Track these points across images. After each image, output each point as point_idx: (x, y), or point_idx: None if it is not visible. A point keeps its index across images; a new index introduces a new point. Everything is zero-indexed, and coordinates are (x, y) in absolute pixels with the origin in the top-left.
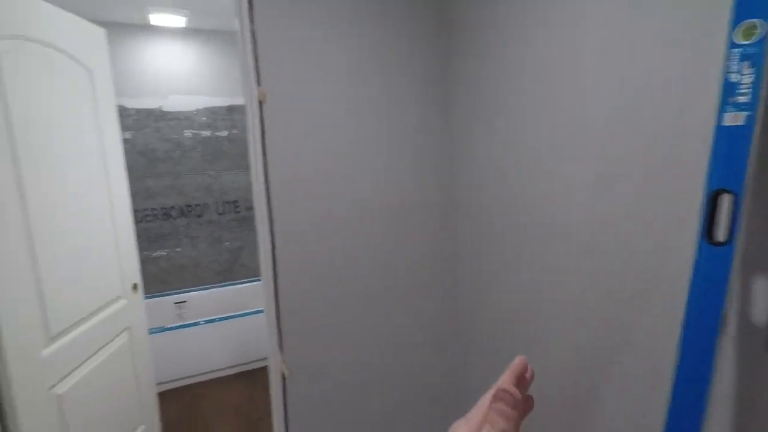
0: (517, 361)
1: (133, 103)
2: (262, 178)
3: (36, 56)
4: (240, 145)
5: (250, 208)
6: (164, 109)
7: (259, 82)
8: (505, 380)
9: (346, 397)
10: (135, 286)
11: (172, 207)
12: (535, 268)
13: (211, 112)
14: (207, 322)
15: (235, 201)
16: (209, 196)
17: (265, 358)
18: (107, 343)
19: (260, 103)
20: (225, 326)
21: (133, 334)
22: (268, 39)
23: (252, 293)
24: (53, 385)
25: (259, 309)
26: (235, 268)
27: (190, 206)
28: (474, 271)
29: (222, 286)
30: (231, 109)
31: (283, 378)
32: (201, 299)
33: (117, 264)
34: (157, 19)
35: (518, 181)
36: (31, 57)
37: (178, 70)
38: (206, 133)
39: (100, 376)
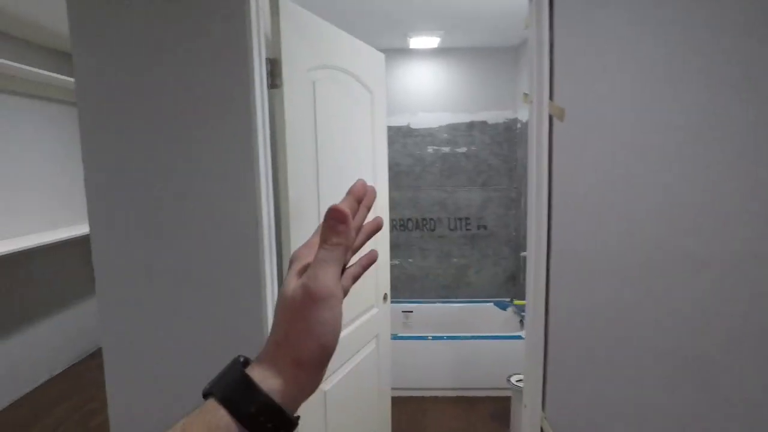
0: (356, 184)
1: (387, 121)
2: (544, 198)
3: (336, 81)
4: (475, 162)
5: (481, 227)
6: (412, 126)
7: (551, 96)
8: (348, 203)
9: None
10: (385, 296)
11: (409, 219)
12: None
13: (452, 128)
14: (434, 338)
15: (467, 218)
16: (443, 211)
17: (488, 389)
18: (360, 348)
19: (550, 118)
20: (451, 345)
21: (380, 341)
22: (566, 49)
23: (474, 314)
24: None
25: (487, 335)
26: (461, 285)
27: (425, 220)
28: None
29: (445, 302)
30: (471, 125)
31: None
32: (427, 311)
33: (374, 273)
34: (415, 42)
35: None
36: (333, 82)
37: (427, 88)
38: (446, 149)
39: (353, 379)
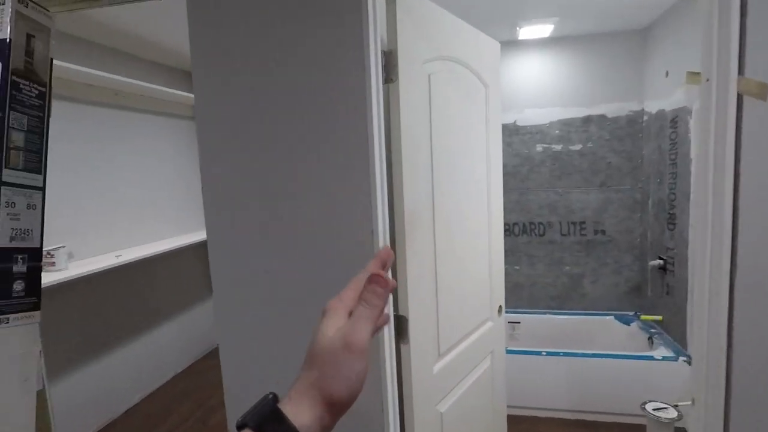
0: (383, 250)
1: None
2: (728, 204)
3: (451, 74)
4: (592, 160)
5: (599, 232)
6: (518, 124)
7: (741, 71)
8: (376, 265)
9: None
10: (500, 309)
11: (515, 223)
12: None
13: (565, 124)
14: (549, 354)
15: (582, 222)
16: (553, 215)
17: (612, 414)
18: (475, 366)
19: (739, 98)
20: (569, 363)
21: (495, 358)
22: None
23: (591, 328)
24: (437, 402)
25: (613, 353)
26: (574, 296)
27: (533, 224)
28: None
29: (556, 314)
30: (587, 120)
31: None
32: (535, 323)
33: (488, 284)
34: (525, 32)
35: None
36: (449, 75)
37: (536, 82)
38: (557, 146)
39: (468, 398)
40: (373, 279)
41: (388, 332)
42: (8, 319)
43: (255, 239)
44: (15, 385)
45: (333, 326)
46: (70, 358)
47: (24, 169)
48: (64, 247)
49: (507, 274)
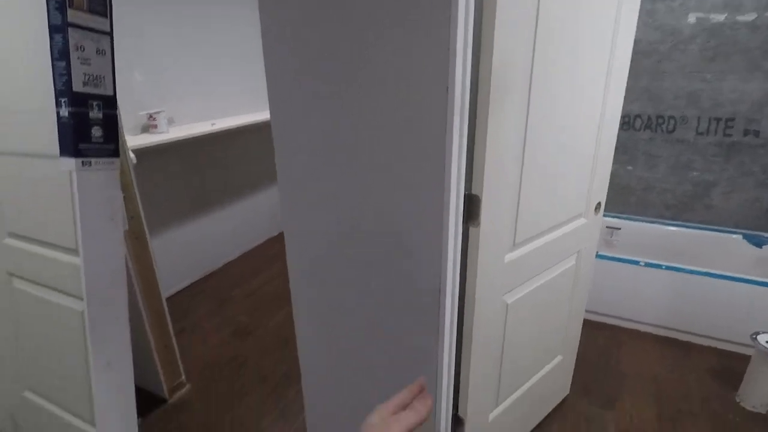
0: (416, 385)
1: None
2: None
3: None
4: (767, 37)
5: (750, 133)
6: None
7: None
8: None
9: None
10: (598, 206)
11: (638, 115)
12: None
13: None
14: (648, 264)
15: (730, 119)
16: (692, 107)
17: (711, 338)
18: (556, 263)
19: None
20: (671, 277)
21: (581, 259)
22: None
23: (711, 246)
24: (505, 293)
25: (729, 274)
26: (696, 206)
27: (662, 118)
28: None
29: (669, 224)
30: None
31: None
32: (639, 231)
33: (589, 177)
34: None
35: None
36: None
37: None
38: (719, 17)
39: (542, 295)
40: (424, 389)
41: (455, 211)
42: (91, 162)
43: (317, 115)
44: (105, 223)
45: (379, 414)
46: (174, 214)
47: (89, 11)
48: (164, 111)
49: (615, 174)
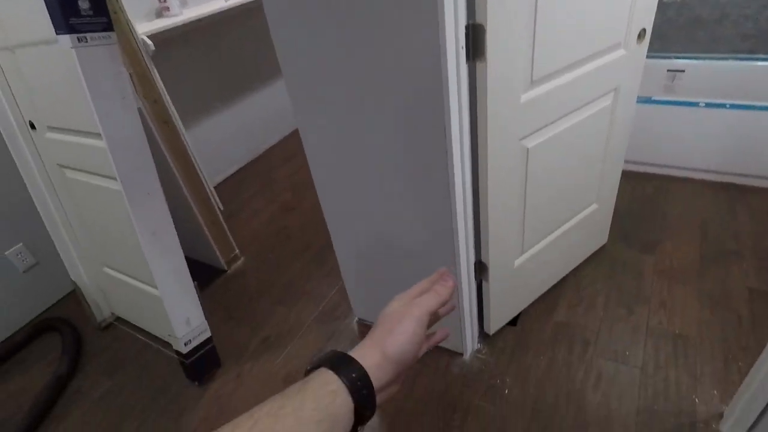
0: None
1: None
2: None
3: None
4: None
5: None
6: None
7: None
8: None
9: None
10: (642, 34)
11: None
12: None
13: None
14: (709, 105)
15: None
16: None
17: None
18: (588, 103)
19: None
20: (733, 117)
21: (619, 98)
22: None
23: None
24: (524, 137)
25: None
26: None
27: None
28: None
29: (747, 60)
30: None
31: None
32: (707, 72)
33: None
34: None
35: None
36: None
37: None
38: None
39: (570, 139)
40: (445, 273)
41: (454, 45)
42: (86, 38)
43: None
44: (117, 101)
45: (398, 300)
46: (207, 104)
47: None
48: None
49: (683, 3)
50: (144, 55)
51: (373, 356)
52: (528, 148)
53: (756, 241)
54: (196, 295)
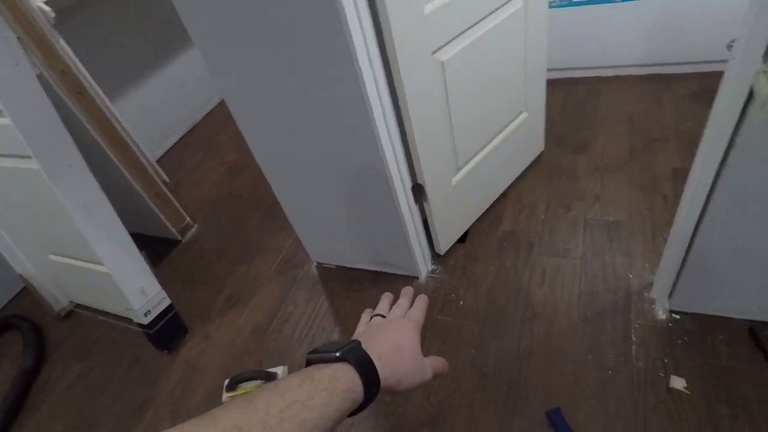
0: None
1: None
2: None
3: None
4: None
5: None
6: None
7: None
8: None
9: None
10: None
11: None
12: None
13: None
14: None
15: None
16: None
17: (693, 62)
18: (497, 8)
19: None
20: (648, 7)
21: (529, 1)
22: None
23: None
24: (436, 50)
25: None
26: None
27: None
28: None
29: None
30: None
31: (749, 98)
32: None
33: None
34: None
35: None
36: None
37: None
38: None
39: (485, 48)
40: (409, 291)
41: None
42: None
43: None
44: (10, 68)
45: (374, 319)
46: (133, 73)
47: None
48: None
49: None
50: (42, 26)
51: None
52: (443, 62)
53: (678, 125)
54: (147, 265)
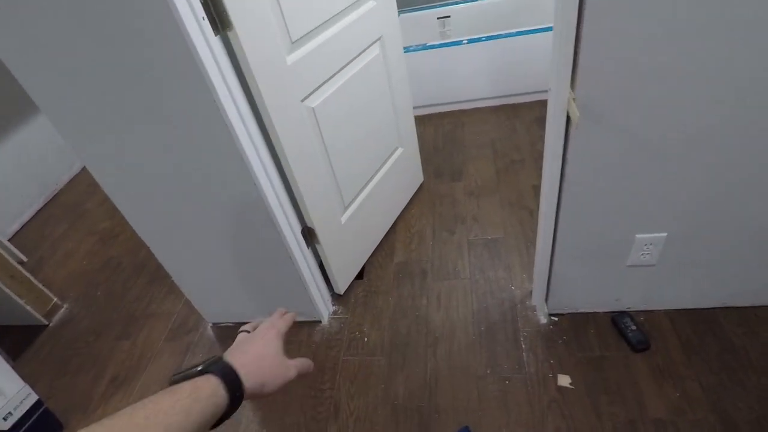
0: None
1: None
2: None
3: None
4: None
5: None
6: None
7: None
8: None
9: (639, 160)
10: None
11: None
12: None
13: None
14: (471, 41)
15: None
16: None
17: (533, 92)
18: (357, 55)
19: None
20: (491, 47)
21: (386, 46)
22: None
23: (522, 5)
24: (305, 98)
25: (526, 29)
26: None
27: None
28: None
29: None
30: None
31: (567, 120)
32: (468, 13)
33: None
34: None
35: None
36: None
37: None
38: None
39: (352, 92)
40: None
41: (192, 15)
42: None
43: None
44: None
45: (250, 328)
46: None
47: None
48: None
49: None
50: None
51: (236, 360)
52: (313, 108)
53: (531, 146)
54: (4, 361)
